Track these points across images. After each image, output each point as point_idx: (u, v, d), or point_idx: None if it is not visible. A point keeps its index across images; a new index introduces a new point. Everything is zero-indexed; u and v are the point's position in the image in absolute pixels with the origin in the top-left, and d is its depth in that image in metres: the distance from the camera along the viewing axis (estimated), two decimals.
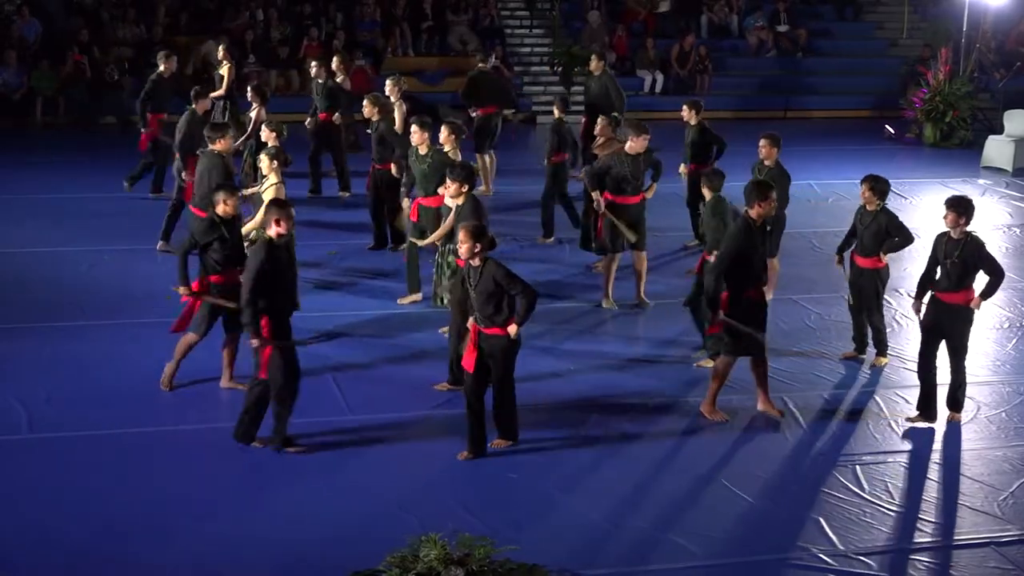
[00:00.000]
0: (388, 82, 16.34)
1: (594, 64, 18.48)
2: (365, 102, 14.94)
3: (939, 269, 10.32)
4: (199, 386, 10.89)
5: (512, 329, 9.36)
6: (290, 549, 8.26)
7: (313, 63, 18.58)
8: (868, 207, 11.51)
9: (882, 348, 11.80)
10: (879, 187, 11.51)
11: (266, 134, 13.50)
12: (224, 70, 18.64)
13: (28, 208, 16.95)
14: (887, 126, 24.21)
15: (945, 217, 10.31)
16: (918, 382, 10.54)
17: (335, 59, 19.30)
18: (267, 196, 11.40)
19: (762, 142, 13.13)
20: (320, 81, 18.01)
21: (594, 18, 26.78)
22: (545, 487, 9.21)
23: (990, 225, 17.20)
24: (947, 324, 10.33)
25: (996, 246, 16.11)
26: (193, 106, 15.30)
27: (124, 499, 8.88)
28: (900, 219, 11.62)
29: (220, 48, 19.33)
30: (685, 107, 15.38)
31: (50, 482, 9.13)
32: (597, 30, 26.60)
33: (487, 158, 18.47)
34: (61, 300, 13.11)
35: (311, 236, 14.84)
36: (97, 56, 23.91)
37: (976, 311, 10.31)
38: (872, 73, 27.75)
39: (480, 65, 19.51)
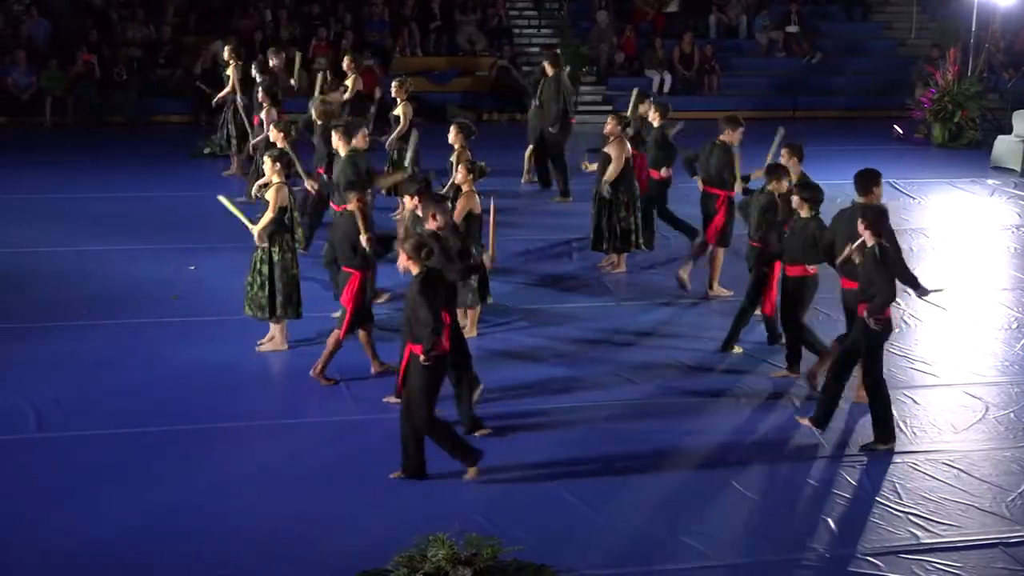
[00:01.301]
0: (394, 83, 16.39)
1: (547, 67, 18.50)
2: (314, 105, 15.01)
3: None
4: (202, 387, 10.91)
5: (423, 356, 8.93)
6: (297, 548, 8.27)
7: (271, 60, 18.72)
8: (801, 213, 10.92)
9: (794, 359, 11.33)
10: (807, 195, 10.91)
11: (274, 134, 13.50)
12: (230, 70, 18.67)
13: (36, 208, 16.98)
14: (895, 126, 24.17)
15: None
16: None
17: (345, 59, 19.33)
18: (270, 198, 11.39)
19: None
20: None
21: (602, 18, 26.76)
22: (552, 487, 9.20)
23: (999, 225, 17.18)
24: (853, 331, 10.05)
25: (1004, 246, 16.10)
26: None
27: (130, 498, 8.88)
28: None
29: (226, 48, 19.34)
30: (652, 107, 15.14)
31: (58, 481, 9.15)
32: (605, 30, 26.59)
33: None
34: (68, 300, 13.13)
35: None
36: (106, 56, 23.93)
37: (872, 326, 9.67)
38: (881, 73, 27.71)
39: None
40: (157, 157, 20.34)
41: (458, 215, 11.39)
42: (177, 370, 11.25)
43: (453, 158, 13.01)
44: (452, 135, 13.45)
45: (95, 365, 11.37)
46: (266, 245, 11.33)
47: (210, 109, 21.08)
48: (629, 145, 14.13)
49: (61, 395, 10.62)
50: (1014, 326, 13.06)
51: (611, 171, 13.91)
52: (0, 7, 24.53)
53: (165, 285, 13.60)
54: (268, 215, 11.29)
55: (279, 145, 13.03)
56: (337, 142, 12.88)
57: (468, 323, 11.95)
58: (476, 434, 9.89)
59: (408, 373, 9.10)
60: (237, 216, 11.57)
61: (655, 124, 14.93)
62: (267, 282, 11.41)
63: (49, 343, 11.86)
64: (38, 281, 13.79)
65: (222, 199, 11.66)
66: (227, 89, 18.64)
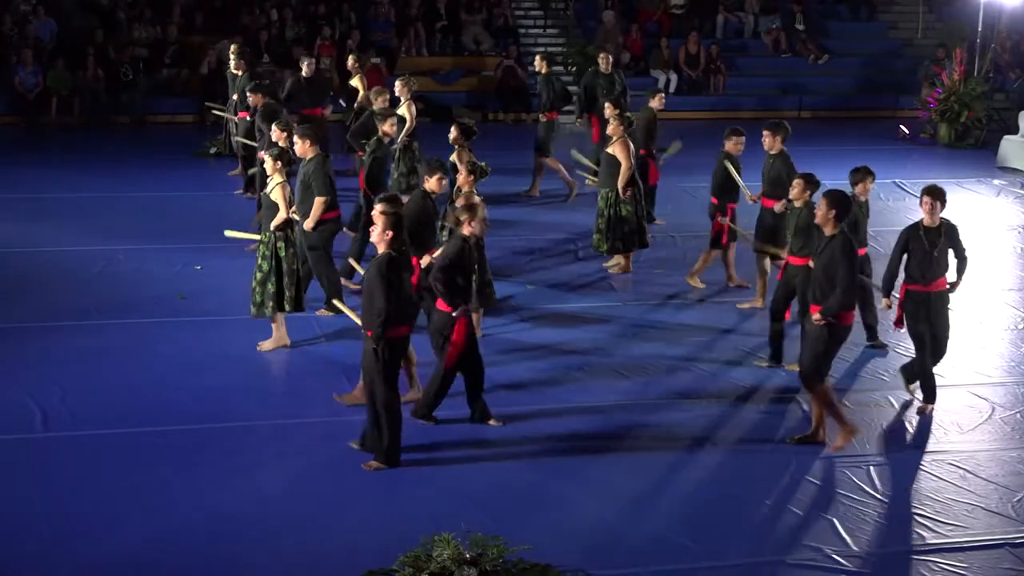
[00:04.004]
0: (398, 82, 16.41)
1: (538, 64, 18.89)
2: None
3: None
4: (207, 386, 10.92)
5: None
6: (303, 549, 8.27)
7: (305, 59, 18.78)
8: (797, 203, 11.41)
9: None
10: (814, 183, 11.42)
11: (276, 133, 13.49)
12: (232, 68, 18.67)
13: (41, 207, 17.00)
14: (901, 126, 24.16)
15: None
16: (939, 381, 10.67)
17: (350, 59, 19.35)
18: (274, 196, 11.42)
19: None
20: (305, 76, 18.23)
21: (608, 18, 26.76)
22: (558, 487, 9.21)
23: (1005, 226, 17.15)
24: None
25: (1010, 246, 16.08)
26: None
27: (137, 498, 8.89)
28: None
29: (232, 47, 19.34)
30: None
31: (64, 481, 9.16)
32: (611, 30, 26.58)
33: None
34: (74, 299, 13.14)
35: None
36: (112, 56, 23.95)
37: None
38: (886, 73, 27.69)
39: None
40: (163, 157, 20.36)
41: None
42: (182, 370, 11.26)
43: (453, 157, 12.99)
44: (453, 135, 13.47)
45: (101, 364, 11.38)
46: (272, 239, 11.42)
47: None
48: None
49: (67, 394, 10.63)
50: (1020, 326, 13.04)
51: (623, 174, 13.92)
52: (7, 6, 24.55)
53: (171, 285, 13.60)
54: (280, 214, 11.35)
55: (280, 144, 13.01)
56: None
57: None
58: (490, 423, 10.10)
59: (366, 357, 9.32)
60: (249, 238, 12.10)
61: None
62: (267, 278, 11.44)
63: (55, 342, 11.87)
64: (44, 280, 13.80)
65: (229, 233, 12.32)
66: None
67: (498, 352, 11.65)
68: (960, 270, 10.76)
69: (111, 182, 18.49)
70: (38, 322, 12.42)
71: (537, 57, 19.43)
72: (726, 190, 13.41)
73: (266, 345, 11.73)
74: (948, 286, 10.61)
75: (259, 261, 11.55)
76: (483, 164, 12.07)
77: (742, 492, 9.22)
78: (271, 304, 11.49)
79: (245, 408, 10.51)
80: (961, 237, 10.72)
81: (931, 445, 10.13)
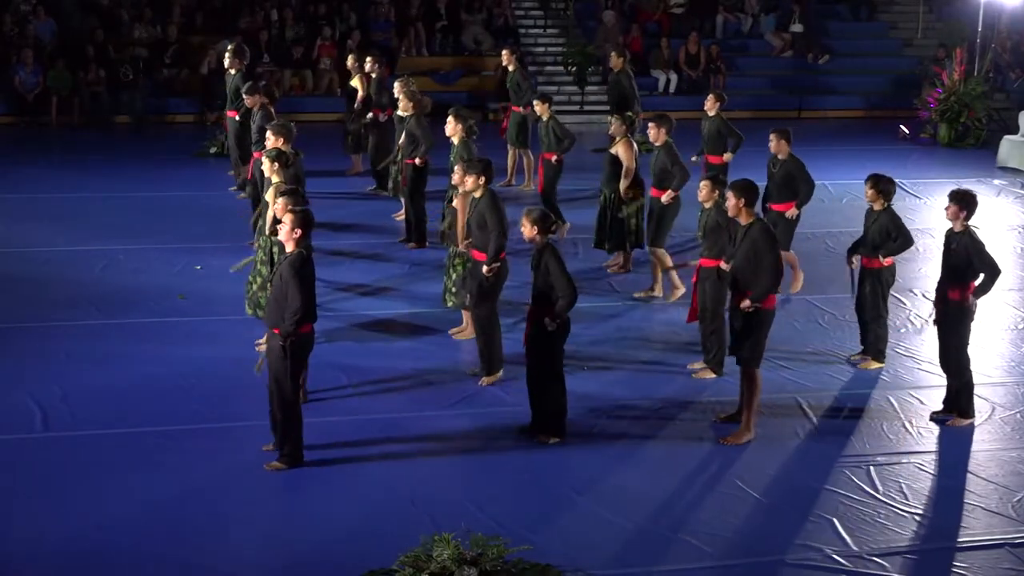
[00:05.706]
0: (396, 83, 16.42)
1: (506, 59, 19.56)
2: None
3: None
4: (208, 386, 10.93)
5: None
6: (304, 549, 8.28)
7: (368, 58, 18.75)
8: (874, 207, 11.58)
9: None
10: (882, 186, 11.57)
11: (271, 137, 13.42)
12: (227, 66, 18.66)
13: (42, 207, 16.98)
14: (901, 126, 24.15)
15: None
16: (938, 381, 10.66)
17: (349, 58, 19.35)
18: (269, 197, 11.40)
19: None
20: (375, 76, 18.21)
21: (608, 18, 26.76)
22: (558, 487, 9.22)
23: (1005, 226, 17.15)
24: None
25: (1010, 246, 16.08)
26: None
27: (138, 498, 8.90)
28: (902, 220, 11.70)
29: (230, 48, 19.30)
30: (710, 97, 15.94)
31: (64, 480, 9.16)
32: (611, 30, 26.58)
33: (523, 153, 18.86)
34: (75, 299, 13.14)
35: (331, 236, 14.81)
36: (112, 55, 23.94)
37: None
38: (886, 73, 27.69)
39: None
40: (163, 157, 20.36)
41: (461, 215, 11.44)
42: (182, 370, 11.26)
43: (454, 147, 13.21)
44: (450, 127, 13.53)
45: (101, 364, 11.39)
46: (266, 244, 11.38)
47: (217, 108, 21.08)
48: None
49: (68, 394, 10.64)
50: (1020, 326, 13.04)
51: (625, 176, 13.89)
52: (7, 6, 24.55)
53: (171, 284, 13.61)
54: (270, 215, 11.32)
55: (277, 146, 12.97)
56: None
57: (467, 323, 11.95)
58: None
59: (268, 357, 9.28)
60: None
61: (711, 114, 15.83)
62: (268, 283, 11.44)
63: (55, 342, 11.87)
64: (44, 280, 13.79)
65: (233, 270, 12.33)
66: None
67: None
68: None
69: (111, 182, 18.48)
70: (38, 322, 12.42)
71: (505, 52, 19.98)
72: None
73: (264, 345, 11.71)
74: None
75: (257, 265, 11.54)
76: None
77: (742, 492, 9.22)
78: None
79: (245, 408, 10.50)
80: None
81: (930, 445, 10.13)
